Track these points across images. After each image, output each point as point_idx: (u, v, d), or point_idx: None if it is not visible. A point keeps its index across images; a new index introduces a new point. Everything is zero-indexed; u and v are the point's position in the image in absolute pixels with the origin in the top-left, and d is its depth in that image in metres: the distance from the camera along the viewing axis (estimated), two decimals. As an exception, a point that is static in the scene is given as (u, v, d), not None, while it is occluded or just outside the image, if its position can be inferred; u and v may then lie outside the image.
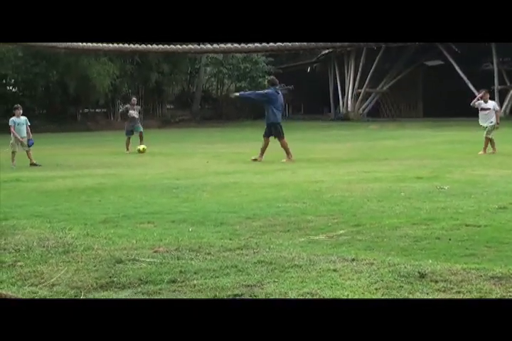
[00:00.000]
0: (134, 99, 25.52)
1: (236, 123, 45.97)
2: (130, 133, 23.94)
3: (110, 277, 5.99)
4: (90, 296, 5.46)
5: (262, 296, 5.31)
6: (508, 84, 42.79)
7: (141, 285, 5.75)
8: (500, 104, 42.15)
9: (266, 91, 19.44)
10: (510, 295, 5.21)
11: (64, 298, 5.43)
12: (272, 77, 20.95)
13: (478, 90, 42.01)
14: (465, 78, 42.84)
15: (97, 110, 47.80)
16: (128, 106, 24.81)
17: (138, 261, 6.53)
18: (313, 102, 51.79)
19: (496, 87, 42.40)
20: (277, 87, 19.33)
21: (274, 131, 18.99)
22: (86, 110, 47.50)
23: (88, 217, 9.36)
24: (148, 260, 6.58)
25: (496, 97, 42.39)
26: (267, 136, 19.07)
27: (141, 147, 22.49)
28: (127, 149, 23.42)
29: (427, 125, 31.25)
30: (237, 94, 20.37)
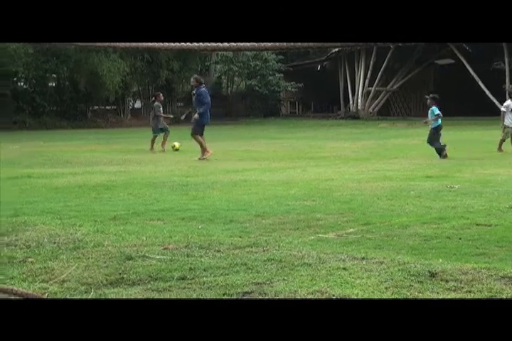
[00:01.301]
0: (161, 95, 24.74)
1: (246, 120, 45.98)
2: (159, 131, 23.03)
3: (120, 273, 5.99)
4: (100, 292, 5.47)
5: (271, 294, 5.31)
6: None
7: (151, 282, 5.75)
8: None
9: (203, 93, 19.65)
10: (520, 295, 5.19)
11: (74, 296, 5.43)
12: (195, 76, 21.14)
13: (489, 89, 41.97)
14: (476, 77, 42.71)
15: (107, 107, 47.85)
16: (158, 103, 23.83)
17: (148, 258, 6.54)
18: (323, 101, 51.75)
19: (508, 86, 42.25)
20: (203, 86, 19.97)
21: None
22: (96, 107, 47.55)
23: (98, 213, 9.38)
24: (158, 257, 6.58)
25: (508, 96, 42.26)
26: (200, 134, 19.76)
27: (177, 144, 21.80)
28: (152, 148, 22.53)
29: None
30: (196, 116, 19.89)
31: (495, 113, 40.30)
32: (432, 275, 5.79)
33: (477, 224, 8.23)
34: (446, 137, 17.64)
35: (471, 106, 40.60)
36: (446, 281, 5.62)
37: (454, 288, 5.44)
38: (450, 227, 8.12)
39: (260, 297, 5.25)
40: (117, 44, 4.52)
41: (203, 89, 19.74)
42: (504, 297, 5.16)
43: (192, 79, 20.20)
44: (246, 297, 5.28)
